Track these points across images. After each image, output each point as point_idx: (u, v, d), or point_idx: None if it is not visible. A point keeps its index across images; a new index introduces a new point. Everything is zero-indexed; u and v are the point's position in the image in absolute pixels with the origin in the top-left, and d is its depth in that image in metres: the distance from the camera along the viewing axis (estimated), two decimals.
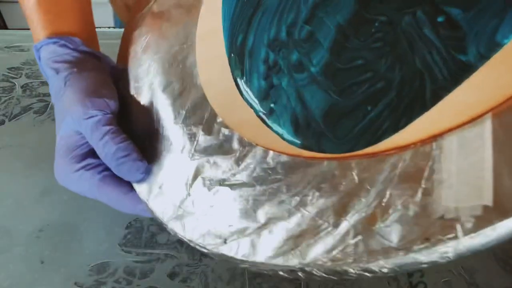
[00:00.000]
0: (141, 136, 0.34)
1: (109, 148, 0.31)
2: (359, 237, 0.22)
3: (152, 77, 0.36)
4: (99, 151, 0.32)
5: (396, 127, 0.22)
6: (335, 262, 0.22)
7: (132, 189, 0.32)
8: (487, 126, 0.20)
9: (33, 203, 0.40)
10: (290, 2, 0.30)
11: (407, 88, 0.22)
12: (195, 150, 0.31)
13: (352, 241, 0.22)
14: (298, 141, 0.26)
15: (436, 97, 0.21)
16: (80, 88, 0.33)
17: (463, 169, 0.20)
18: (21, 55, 0.59)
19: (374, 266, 0.21)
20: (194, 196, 0.29)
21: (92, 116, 0.32)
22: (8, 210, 0.39)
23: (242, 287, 0.34)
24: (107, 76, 0.37)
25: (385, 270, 0.21)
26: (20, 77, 0.56)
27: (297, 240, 0.24)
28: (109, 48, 0.45)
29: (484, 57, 0.20)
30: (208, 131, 0.31)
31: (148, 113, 0.35)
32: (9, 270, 0.35)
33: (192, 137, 0.31)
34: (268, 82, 0.29)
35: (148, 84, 0.36)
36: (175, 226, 0.29)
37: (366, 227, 0.22)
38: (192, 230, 0.29)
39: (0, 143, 0.46)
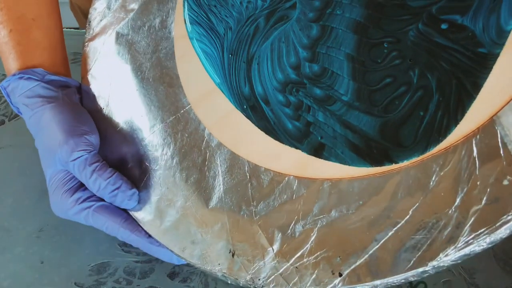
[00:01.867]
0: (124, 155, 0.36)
1: (99, 184, 0.33)
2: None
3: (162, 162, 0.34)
4: (90, 187, 0.34)
5: (455, 121, 0.25)
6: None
7: (128, 216, 0.34)
8: None
9: (33, 203, 0.41)
10: (284, 49, 0.31)
11: (447, 88, 0.25)
12: (254, 206, 0.30)
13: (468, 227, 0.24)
14: (367, 163, 0.27)
15: (477, 86, 0.25)
16: (59, 126, 0.35)
17: None
18: None
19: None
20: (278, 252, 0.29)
21: (78, 157, 0.34)
22: (8, 210, 0.40)
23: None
24: (79, 105, 0.38)
25: None
26: None
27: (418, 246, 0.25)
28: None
29: (499, 44, 0.25)
30: (258, 183, 0.30)
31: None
32: (9, 270, 0.35)
33: (245, 197, 0.30)
34: (302, 122, 0.30)
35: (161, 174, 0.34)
36: None
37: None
38: None
39: (0, 143, 0.46)
